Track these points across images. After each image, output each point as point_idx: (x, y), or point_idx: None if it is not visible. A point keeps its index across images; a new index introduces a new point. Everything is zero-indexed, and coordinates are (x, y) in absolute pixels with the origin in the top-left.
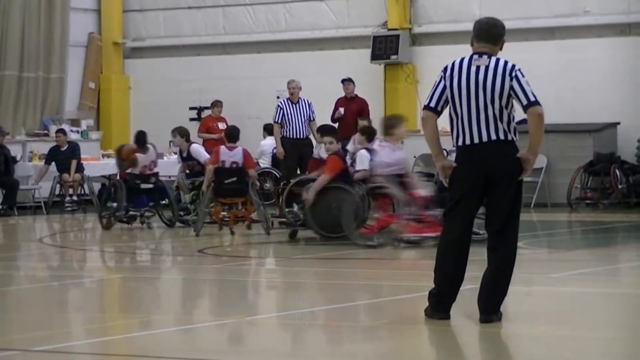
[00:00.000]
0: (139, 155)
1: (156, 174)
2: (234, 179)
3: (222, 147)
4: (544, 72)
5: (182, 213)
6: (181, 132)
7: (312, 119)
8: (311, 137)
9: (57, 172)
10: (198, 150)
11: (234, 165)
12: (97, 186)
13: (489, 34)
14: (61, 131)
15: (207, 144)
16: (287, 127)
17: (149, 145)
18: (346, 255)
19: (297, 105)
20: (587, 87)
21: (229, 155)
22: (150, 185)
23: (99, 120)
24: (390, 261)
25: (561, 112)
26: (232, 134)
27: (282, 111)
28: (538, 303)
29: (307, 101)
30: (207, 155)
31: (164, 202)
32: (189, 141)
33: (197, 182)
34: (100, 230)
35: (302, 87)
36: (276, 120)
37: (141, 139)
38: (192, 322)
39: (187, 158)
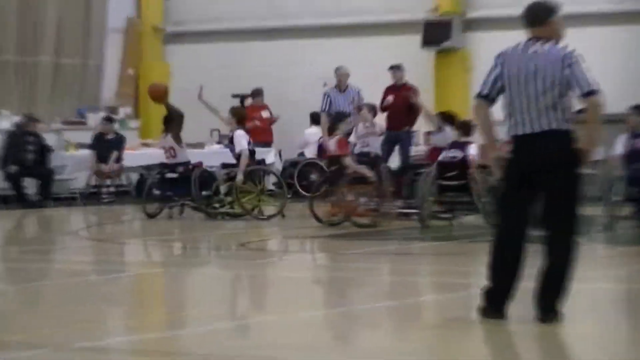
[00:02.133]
0: (161, 138)
1: (185, 164)
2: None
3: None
4: (606, 59)
5: (217, 205)
6: (234, 112)
7: (360, 106)
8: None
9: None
10: (239, 137)
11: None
12: (134, 177)
13: (535, 16)
14: (109, 119)
15: (252, 132)
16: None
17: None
18: (384, 251)
19: (345, 93)
20: None
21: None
22: (175, 175)
23: (137, 109)
24: (445, 257)
25: (622, 101)
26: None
27: (329, 99)
28: (597, 301)
29: (356, 89)
30: (245, 146)
31: (206, 192)
32: (240, 124)
33: (233, 172)
34: (139, 222)
35: (349, 74)
36: (323, 108)
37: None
38: (244, 318)
39: (229, 144)
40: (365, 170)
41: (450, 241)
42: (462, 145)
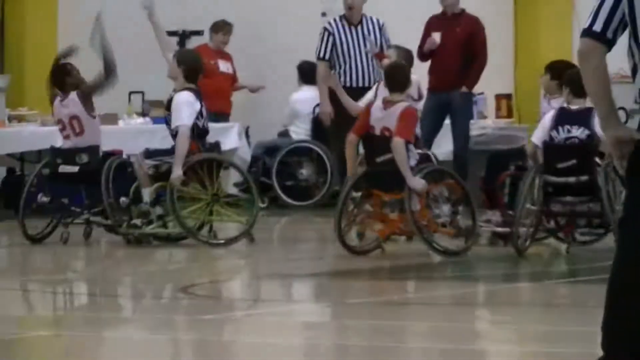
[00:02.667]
0: (57, 102)
1: (93, 150)
2: (389, 156)
3: (377, 104)
4: None
5: (138, 222)
6: (183, 58)
7: (384, 51)
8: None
9: None
10: (181, 104)
11: (387, 133)
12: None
13: None
14: None
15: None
16: (341, 67)
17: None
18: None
19: (359, 28)
20: None
21: (381, 115)
22: (75, 169)
23: (3, 54)
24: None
25: None
26: (394, 78)
27: (332, 39)
28: None
29: (378, 21)
30: (186, 120)
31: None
32: (190, 81)
33: (165, 166)
34: (11, 250)
35: None
36: (322, 54)
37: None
38: None
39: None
40: (413, 182)
41: (555, 280)
42: (583, 117)
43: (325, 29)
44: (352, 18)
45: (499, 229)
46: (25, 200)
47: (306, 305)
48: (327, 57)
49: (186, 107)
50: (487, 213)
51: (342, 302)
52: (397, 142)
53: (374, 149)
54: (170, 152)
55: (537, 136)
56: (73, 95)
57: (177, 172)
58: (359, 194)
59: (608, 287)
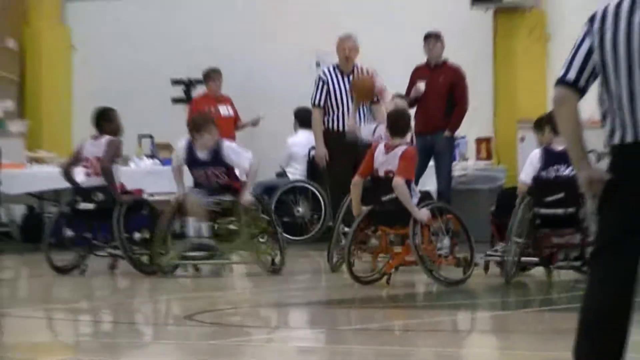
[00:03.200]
0: (89, 140)
1: (105, 188)
2: (394, 195)
3: (380, 148)
4: None
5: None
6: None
7: (376, 99)
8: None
9: None
10: (234, 147)
11: (390, 175)
12: (19, 211)
13: None
14: None
15: None
16: (334, 113)
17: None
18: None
19: (351, 77)
20: None
21: (383, 159)
22: (91, 206)
23: (23, 102)
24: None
25: None
26: (397, 124)
27: (326, 87)
28: None
29: (368, 71)
30: (248, 159)
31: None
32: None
33: (226, 203)
34: (32, 281)
35: (359, 48)
36: (316, 101)
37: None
38: None
39: (212, 161)
40: (418, 214)
41: (533, 309)
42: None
43: (320, 77)
44: (347, 67)
45: (493, 256)
46: (51, 234)
47: (301, 332)
48: (321, 103)
49: (244, 152)
50: (498, 245)
51: (334, 328)
52: (397, 182)
53: (379, 189)
54: (218, 191)
55: (527, 173)
56: (106, 139)
57: (249, 197)
58: (351, 229)
59: (580, 316)
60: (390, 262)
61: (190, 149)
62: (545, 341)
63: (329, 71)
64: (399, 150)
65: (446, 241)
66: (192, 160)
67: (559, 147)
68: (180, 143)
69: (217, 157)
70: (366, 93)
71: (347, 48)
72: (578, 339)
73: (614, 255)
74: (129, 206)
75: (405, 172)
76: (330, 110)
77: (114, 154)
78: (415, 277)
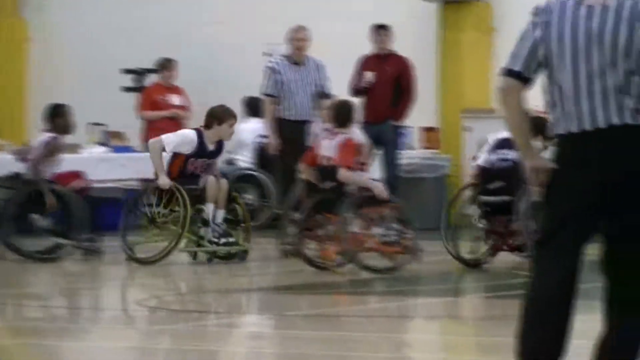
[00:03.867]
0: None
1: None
2: (333, 183)
3: (322, 136)
4: None
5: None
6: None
7: (325, 91)
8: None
9: None
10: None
11: (330, 162)
12: None
13: None
14: None
15: (154, 126)
16: (285, 102)
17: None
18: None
19: (303, 68)
20: None
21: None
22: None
23: None
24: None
25: None
26: (339, 113)
27: (276, 77)
28: None
29: (318, 62)
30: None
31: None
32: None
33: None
34: None
35: (310, 39)
36: (267, 90)
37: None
38: None
39: (216, 152)
40: (376, 185)
41: (478, 294)
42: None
43: (269, 67)
44: (298, 57)
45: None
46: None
47: (251, 317)
48: (271, 92)
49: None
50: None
51: (282, 314)
52: (343, 173)
53: (321, 176)
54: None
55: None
56: (45, 138)
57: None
58: (300, 216)
59: (525, 302)
60: (328, 250)
61: (201, 141)
62: (489, 327)
63: (279, 62)
64: (339, 140)
65: (384, 229)
66: (201, 152)
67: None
68: (189, 134)
69: (220, 149)
70: None
71: (299, 39)
72: (523, 327)
73: (558, 244)
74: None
75: (344, 161)
76: (281, 99)
77: (48, 154)
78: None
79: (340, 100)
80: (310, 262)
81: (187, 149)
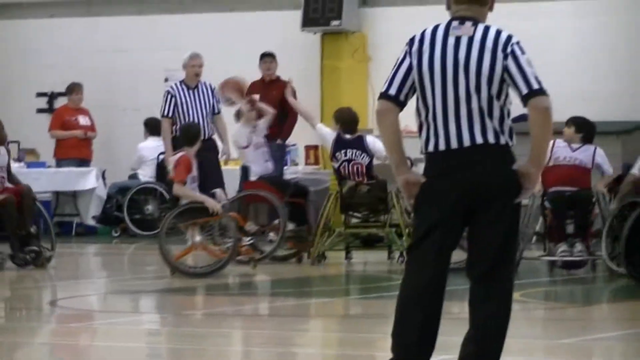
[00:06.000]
0: None
1: None
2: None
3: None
4: (557, 47)
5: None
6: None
7: (216, 111)
8: (215, 137)
9: None
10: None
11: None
12: None
13: None
14: None
15: (63, 144)
16: (181, 123)
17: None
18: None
19: (196, 91)
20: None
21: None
22: None
23: None
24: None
25: (579, 105)
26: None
27: (174, 100)
28: None
29: (210, 86)
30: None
31: None
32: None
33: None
34: None
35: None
36: (166, 112)
37: None
38: None
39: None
40: (205, 199)
41: (350, 296)
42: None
43: (168, 92)
44: (192, 82)
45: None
46: None
47: (149, 316)
48: (170, 114)
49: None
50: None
51: (179, 313)
52: (175, 186)
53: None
54: None
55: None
56: None
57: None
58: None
59: (397, 302)
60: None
61: None
62: (360, 324)
63: (177, 86)
64: (176, 157)
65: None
66: None
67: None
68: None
69: None
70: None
71: (196, 65)
72: (395, 323)
73: (426, 248)
74: None
75: (176, 177)
76: (178, 120)
77: None
78: (259, 268)
79: (184, 124)
80: (171, 265)
81: None
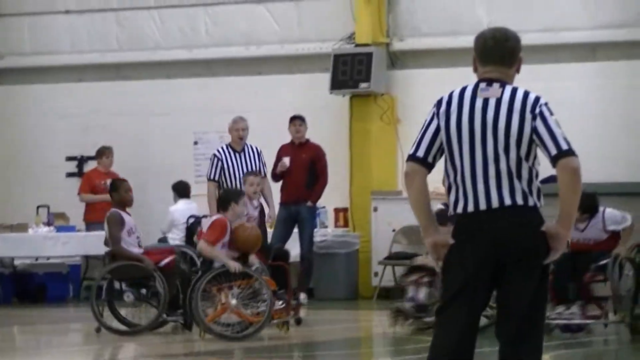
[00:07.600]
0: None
1: None
2: None
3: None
4: (584, 107)
5: None
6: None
7: (263, 174)
8: (262, 201)
9: None
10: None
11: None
12: None
13: (498, 51)
14: None
15: (92, 207)
16: (227, 186)
17: None
18: None
19: (242, 154)
20: None
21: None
22: None
23: None
24: None
25: (611, 166)
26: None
27: (220, 164)
28: None
29: (256, 149)
30: None
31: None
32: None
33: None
34: None
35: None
36: (212, 176)
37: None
38: None
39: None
40: (226, 259)
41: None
42: None
43: (214, 155)
44: (238, 146)
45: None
46: None
47: None
48: (215, 178)
49: None
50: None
51: None
52: (200, 243)
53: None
54: None
55: None
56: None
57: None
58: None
59: None
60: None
61: None
62: None
63: (223, 149)
64: (212, 219)
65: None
66: None
67: None
68: None
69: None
70: (251, 245)
71: (240, 129)
72: None
73: (456, 309)
74: None
75: (207, 236)
76: (224, 184)
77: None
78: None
79: (226, 189)
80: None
81: None
